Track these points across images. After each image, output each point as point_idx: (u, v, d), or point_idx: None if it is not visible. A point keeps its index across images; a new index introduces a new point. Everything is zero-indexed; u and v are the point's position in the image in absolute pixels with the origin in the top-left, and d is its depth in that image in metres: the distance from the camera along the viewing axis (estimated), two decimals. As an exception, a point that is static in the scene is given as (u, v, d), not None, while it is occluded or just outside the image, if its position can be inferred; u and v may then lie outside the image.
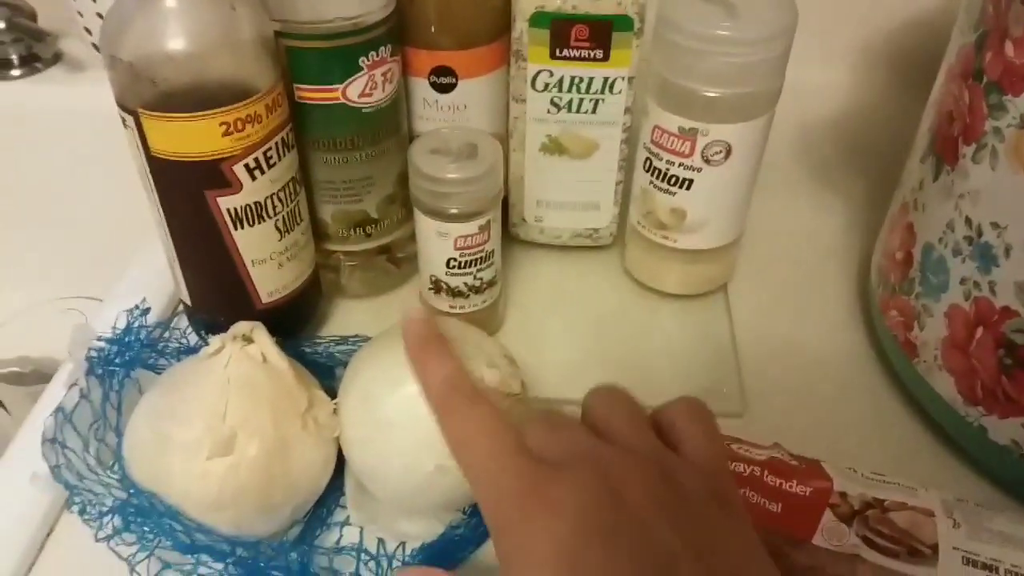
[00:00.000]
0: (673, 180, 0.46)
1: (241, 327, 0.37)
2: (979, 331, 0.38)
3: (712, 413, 0.31)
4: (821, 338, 0.49)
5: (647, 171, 0.47)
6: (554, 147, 0.49)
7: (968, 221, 0.37)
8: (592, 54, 0.45)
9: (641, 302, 0.51)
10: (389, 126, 0.45)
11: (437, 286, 0.44)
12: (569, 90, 0.46)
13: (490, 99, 0.48)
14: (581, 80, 0.46)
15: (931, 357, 0.41)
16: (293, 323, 0.44)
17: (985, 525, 0.34)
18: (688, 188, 0.46)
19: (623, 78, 0.46)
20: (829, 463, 0.37)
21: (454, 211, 0.41)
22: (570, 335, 0.50)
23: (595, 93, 0.47)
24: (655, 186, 0.47)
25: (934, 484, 0.37)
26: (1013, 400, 0.37)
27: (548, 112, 0.48)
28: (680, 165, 0.45)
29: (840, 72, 0.72)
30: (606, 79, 0.46)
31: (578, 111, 0.47)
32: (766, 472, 0.36)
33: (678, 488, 0.27)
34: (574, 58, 0.46)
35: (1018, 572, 0.32)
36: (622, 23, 0.44)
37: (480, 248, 0.43)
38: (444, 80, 0.46)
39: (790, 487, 0.35)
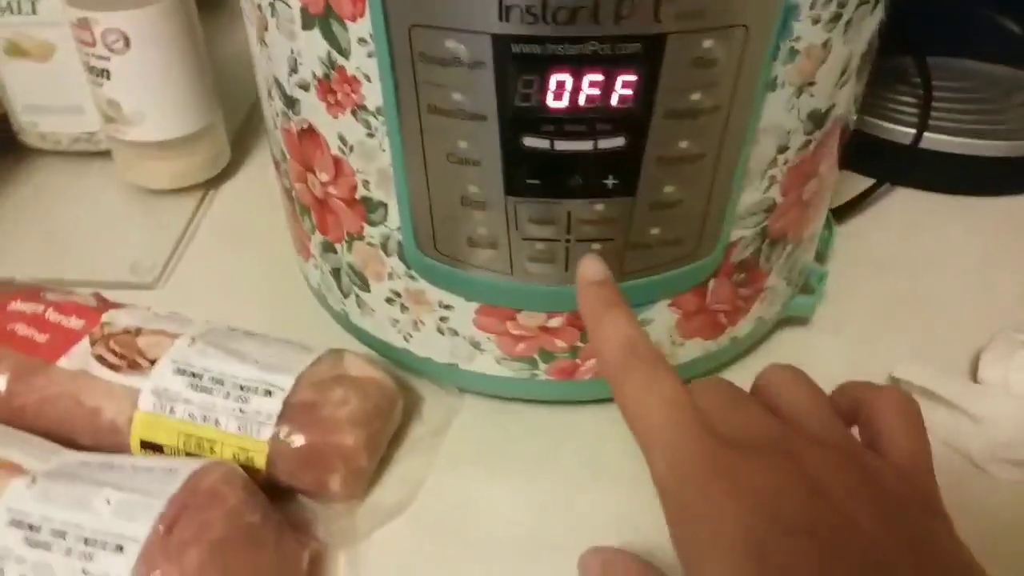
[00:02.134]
0: (94, 71, 0.49)
1: None
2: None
3: (919, 409, 0.27)
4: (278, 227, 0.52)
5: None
6: (15, 50, 0.52)
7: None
8: (13, -45, 0.48)
9: (130, 201, 0.54)
10: None
11: None
12: (2, -9, 0.49)
13: (-55, 5, 0.51)
14: (9, -20, 0.49)
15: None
16: None
17: (225, 344, 0.37)
18: (108, 78, 0.49)
19: (51, -23, 0.49)
20: (139, 308, 0.40)
21: None
22: (52, 245, 0.52)
23: (27, -7, 0.49)
24: (90, 80, 0.50)
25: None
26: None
27: (-5, 14, 0.50)
28: (92, 55, 0.48)
29: None
30: (33, -21, 0.49)
31: (20, 12, 0.50)
32: (50, 309, 0.39)
33: (884, 490, 0.24)
34: (-1, -41, 0.48)
35: (220, 378, 0.36)
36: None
37: None
38: None
39: (65, 323, 0.39)
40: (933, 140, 0.52)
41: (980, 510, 0.37)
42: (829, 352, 0.44)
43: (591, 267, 0.29)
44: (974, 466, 0.39)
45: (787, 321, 0.44)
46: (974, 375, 0.42)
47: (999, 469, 0.38)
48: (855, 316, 0.46)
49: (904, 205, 0.54)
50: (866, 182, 0.53)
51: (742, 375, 0.42)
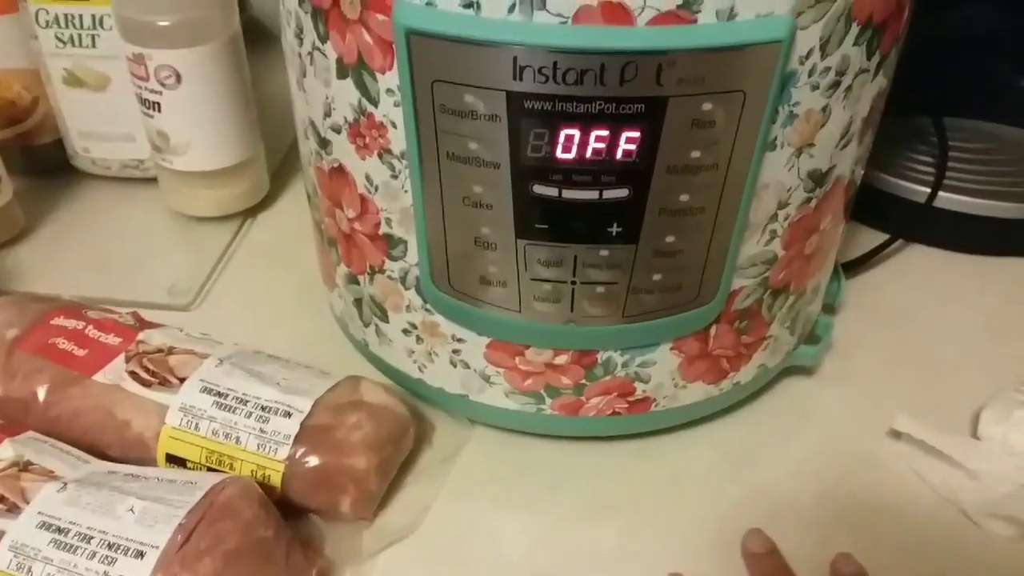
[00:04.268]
0: (146, 103, 0.52)
1: None
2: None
3: None
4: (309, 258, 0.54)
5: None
6: (74, 80, 0.55)
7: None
8: (77, -8, 0.52)
9: (172, 227, 0.57)
10: None
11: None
12: (66, 26, 0.53)
13: (12, 38, 0.54)
14: (72, 17, 0.53)
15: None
16: None
17: (250, 367, 0.39)
18: (159, 110, 0.52)
19: (110, 15, 0.52)
20: (173, 329, 0.43)
21: None
22: (97, 265, 0.54)
23: (89, 29, 0.53)
24: (142, 111, 0.53)
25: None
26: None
27: (57, 47, 0.54)
28: (145, 88, 0.51)
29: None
30: (94, 16, 0.52)
31: (81, 46, 0.54)
32: (90, 326, 0.41)
33: None
34: (64, -4, 0.52)
35: (244, 398, 0.38)
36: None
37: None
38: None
39: (104, 339, 0.41)
40: (947, 199, 0.53)
41: (973, 565, 0.38)
42: (832, 402, 0.45)
43: (757, 540, 0.36)
44: (969, 521, 0.39)
45: (792, 370, 0.46)
46: (975, 432, 0.43)
47: (994, 525, 0.39)
48: (861, 368, 0.47)
49: (916, 261, 0.55)
50: (880, 237, 0.54)
51: (746, 421, 0.43)
